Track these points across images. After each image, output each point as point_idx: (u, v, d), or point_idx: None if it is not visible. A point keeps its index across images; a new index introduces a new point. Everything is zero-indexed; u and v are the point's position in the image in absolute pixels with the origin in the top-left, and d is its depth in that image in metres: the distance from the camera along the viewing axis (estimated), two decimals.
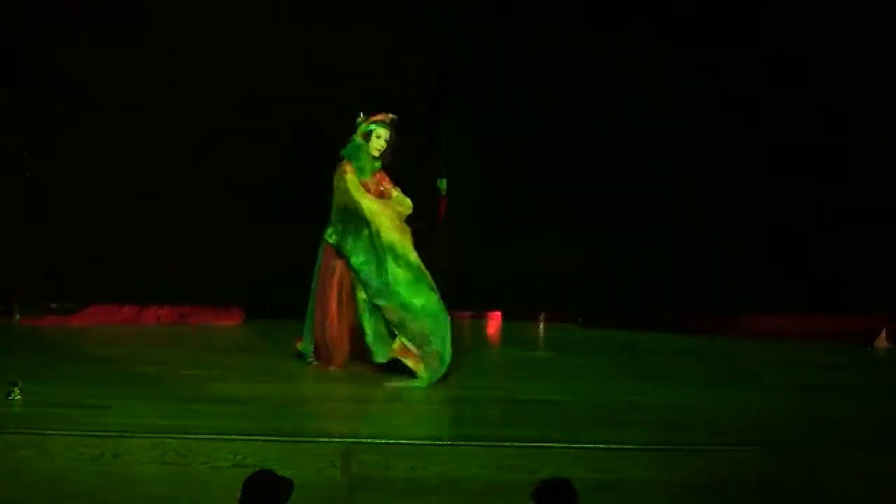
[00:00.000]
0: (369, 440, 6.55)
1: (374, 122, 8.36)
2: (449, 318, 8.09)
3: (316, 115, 9.54)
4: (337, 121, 8.68)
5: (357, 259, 8.18)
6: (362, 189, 8.27)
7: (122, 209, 9.77)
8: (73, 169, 9.74)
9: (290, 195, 9.72)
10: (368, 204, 8.22)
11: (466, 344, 9.25)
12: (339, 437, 6.55)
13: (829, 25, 9.67)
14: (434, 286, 8.11)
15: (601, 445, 6.53)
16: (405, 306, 8.06)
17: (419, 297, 8.08)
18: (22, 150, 9.75)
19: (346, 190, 8.24)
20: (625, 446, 6.52)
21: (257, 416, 7.09)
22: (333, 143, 8.52)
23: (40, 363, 8.29)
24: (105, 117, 9.71)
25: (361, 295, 8.18)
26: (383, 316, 8.12)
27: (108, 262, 9.76)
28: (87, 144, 9.69)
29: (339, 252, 8.27)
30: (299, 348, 8.47)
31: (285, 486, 5.03)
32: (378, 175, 8.41)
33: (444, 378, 7.96)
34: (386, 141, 8.35)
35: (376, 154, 8.37)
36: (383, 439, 6.56)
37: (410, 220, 8.37)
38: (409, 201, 8.41)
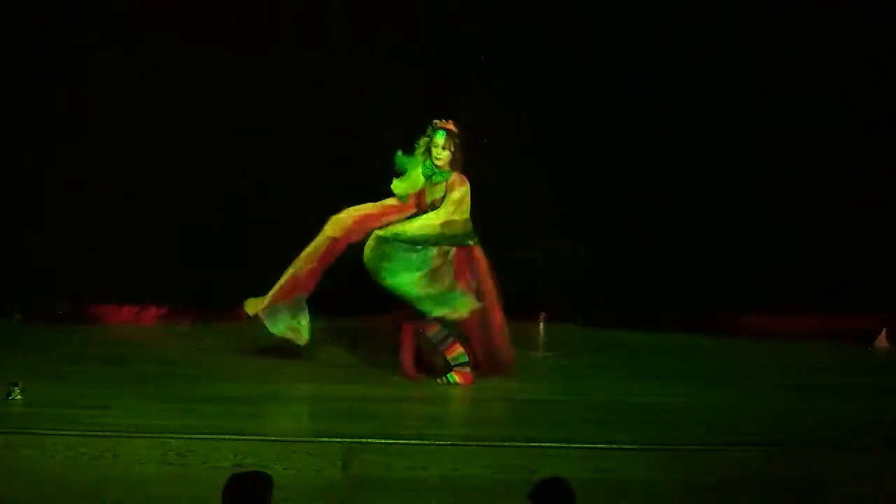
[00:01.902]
0: (369, 440, 6.54)
1: (434, 129, 8.08)
2: None
3: (316, 116, 9.54)
4: (337, 122, 8.67)
5: None
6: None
7: (123, 209, 9.78)
8: (73, 168, 9.76)
9: (289, 195, 9.73)
10: None
11: None
12: (339, 437, 6.54)
13: (829, 24, 9.66)
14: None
15: (601, 445, 6.53)
16: None
17: None
18: (22, 151, 9.77)
19: None
20: (625, 446, 6.52)
21: (257, 416, 7.09)
22: (333, 144, 8.52)
23: (40, 363, 8.28)
24: (105, 117, 9.72)
25: None
26: None
27: (108, 263, 9.76)
28: (87, 144, 9.71)
29: None
30: None
31: (265, 481, 4.99)
32: (447, 183, 8.06)
33: None
34: (444, 147, 8.02)
35: (439, 163, 8.07)
36: (383, 439, 6.56)
37: None
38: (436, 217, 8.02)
